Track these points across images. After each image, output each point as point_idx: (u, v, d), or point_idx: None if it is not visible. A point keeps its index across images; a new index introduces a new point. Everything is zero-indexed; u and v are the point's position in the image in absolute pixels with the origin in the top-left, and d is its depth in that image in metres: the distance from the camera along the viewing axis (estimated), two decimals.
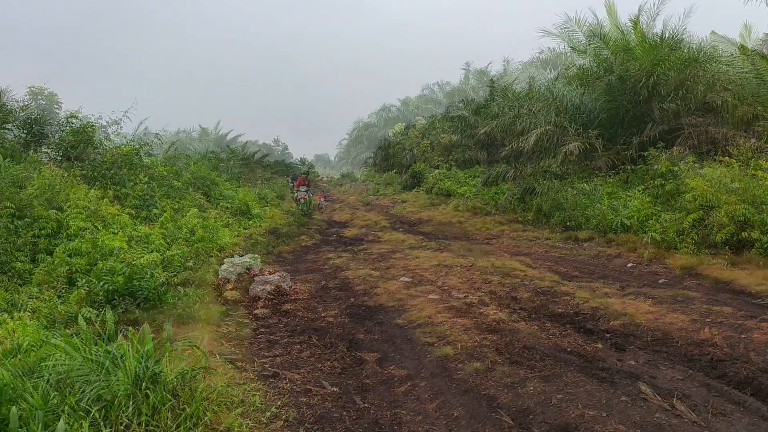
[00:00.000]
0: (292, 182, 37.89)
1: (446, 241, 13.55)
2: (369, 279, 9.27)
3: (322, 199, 26.17)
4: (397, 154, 37.93)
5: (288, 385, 4.80)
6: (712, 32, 18.15)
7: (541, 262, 10.51)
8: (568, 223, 14.12)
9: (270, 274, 8.79)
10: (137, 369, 3.80)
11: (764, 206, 8.80)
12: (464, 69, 32.75)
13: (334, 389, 4.81)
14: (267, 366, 5.24)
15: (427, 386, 4.79)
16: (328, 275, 9.86)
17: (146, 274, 7.09)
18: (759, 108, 14.84)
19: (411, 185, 28.89)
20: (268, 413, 4.15)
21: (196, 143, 36.26)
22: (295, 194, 22.87)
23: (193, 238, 10.65)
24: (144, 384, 3.77)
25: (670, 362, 5.14)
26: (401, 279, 9.19)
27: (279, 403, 4.39)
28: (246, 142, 54.64)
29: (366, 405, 4.48)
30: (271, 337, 6.26)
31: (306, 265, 11.33)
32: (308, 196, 22.47)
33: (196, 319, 6.53)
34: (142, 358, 3.90)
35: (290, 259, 12.36)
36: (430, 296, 7.80)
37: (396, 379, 5.01)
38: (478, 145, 29.20)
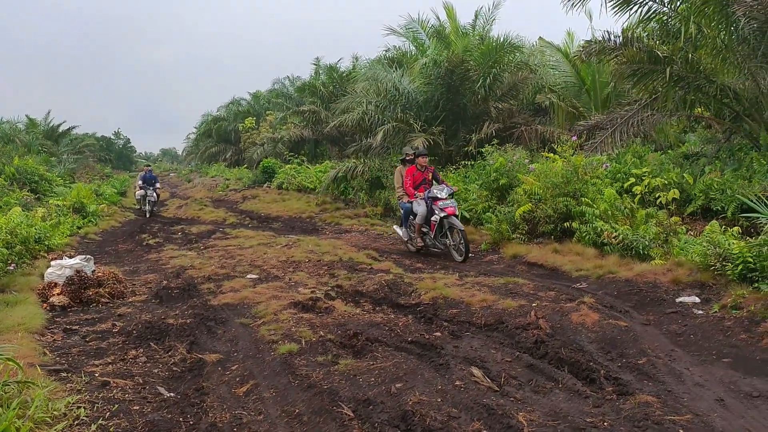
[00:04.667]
0: (143, 184, 21.51)
1: (296, 236, 13.48)
2: (214, 277, 8.98)
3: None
4: (248, 149, 37.12)
5: (119, 393, 4.50)
6: (540, 38, 19.67)
7: (388, 255, 10.80)
8: None
9: (105, 275, 8.20)
10: None
11: (583, 199, 9.69)
12: (315, 64, 32.57)
13: (171, 394, 4.59)
14: (96, 375, 4.87)
15: (270, 384, 4.73)
16: (170, 275, 9.40)
17: None
18: (580, 109, 16.36)
19: (262, 180, 28.44)
20: (95, 426, 3.87)
21: (23, 135, 32.75)
22: (409, 204, 10.70)
23: (15, 239, 9.66)
24: None
25: (501, 345, 5.50)
26: (248, 276, 9.00)
27: (108, 414, 4.10)
28: (82, 135, 50.57)
29: (205, 408, 4.33)
30: (103, 343, 5.84)
31: (147, 264, 10.73)
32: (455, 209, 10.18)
33: (15, 328, 5.94)
34: None
35: (130, 259, 11.63)
36: (277, 293, 7.71)
37: (238, 379, 4.89)
38: (329, 140, 29.41)
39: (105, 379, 4.78)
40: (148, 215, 20.71)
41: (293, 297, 7.39)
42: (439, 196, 10.07)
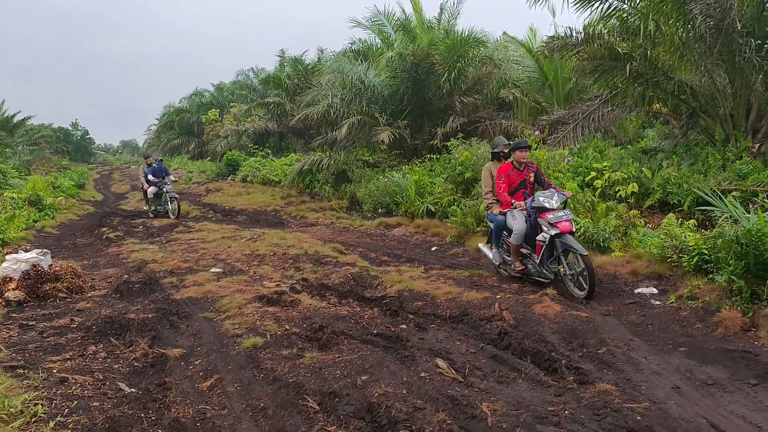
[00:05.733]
0: (153, 178, 16.89)
1: (261, 229, 13.36)
2: (177, 271, 8.86)
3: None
4: (211, 141, 36.60)
5: (78, 390, 4.40)
6: (504, 33, 19.88)
7: (353, 248, 10.79)
8: (380, 210, 14.67)
9: (63, 269, 8.00)
10: None
11: None
12: (279, 56, 32.18)
13: (133, 390, 4.52)
14: (54, 371, 4.76)
15: (234, 378, 4.69)
16: (131, 269, 9.23)
17: None
18: (543, 104, 16.58)
19: (226, 173, 28.12)
20: (53, 423, 3.78)
21: None
22: (502, 216, 7.73)
23: None
24: None
25: (465, 337, 5.56)
26: (212, 270, 8.90)
27: (67, 410, 4.01)
28: (39, 126, 49.21)
29: (167, 403, 4.27)
30: (61, 339, 5.71)
31: (107, 258, 10.51)
32: None
33: None
34: None
35: (89, 253, 11.37)
36: (242, 286, 7.64)
37: (201, 374, 4.84)
38: (294, 132, 29.16)
39: (63, 375, 4.67)
40: (173, 216, 16.50)
41: (258, 290, 7.33)
42: (547, 206, 7.04)
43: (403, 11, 21.09)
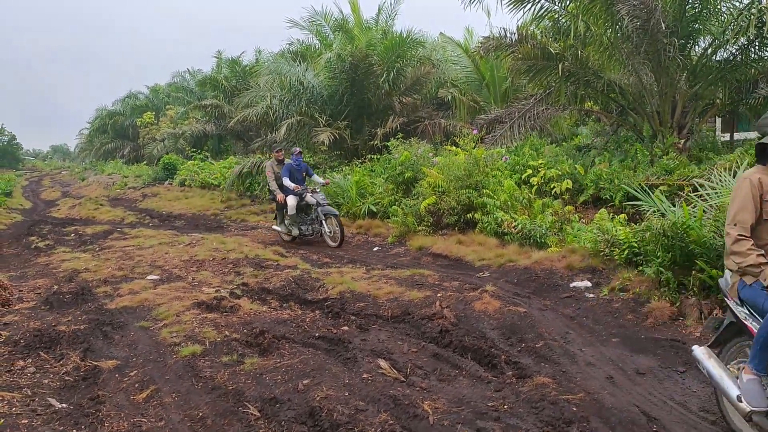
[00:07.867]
0: (290, 182, 11.19)
1: (200, 234, 13.09)
2: (111, 280, 8.56)
3: None
4: (147, 145, 35.63)
5: (6, 407, 4.20)
6: (441, 33, 20.13)
7: (294, 250, 10.70)
8: None
9: None
10: None
11: (484, 190, 9.99)
12: (216, 57, 31.67)
13: (64, 406, 4.34)
14: None
15: (172, 389, 4.57)
16: (62, 279, 8.87)
17: None
18: (481, 103, 16.88)
19: (163, 177, 27.43)
20: None
21: None
22: None
23: None
24: None
25: (407, 336, 5.59)
26: (149, 277, 8.65)
27: None
28: None
29: (101, 417, 4.12)
30: None
31: (36, 269, 10.06)
32: None
33: None
34: None
35: (16, 263, 10.87)
36: (180, 293, 7.46)
37: (137, 385, 4.69)
38: (233, 135, 28.72)
39: None
40: (333, 243, 10.92)
41: (197, 297, 7.17)
42: None
43: (341, 11, 21.10)
